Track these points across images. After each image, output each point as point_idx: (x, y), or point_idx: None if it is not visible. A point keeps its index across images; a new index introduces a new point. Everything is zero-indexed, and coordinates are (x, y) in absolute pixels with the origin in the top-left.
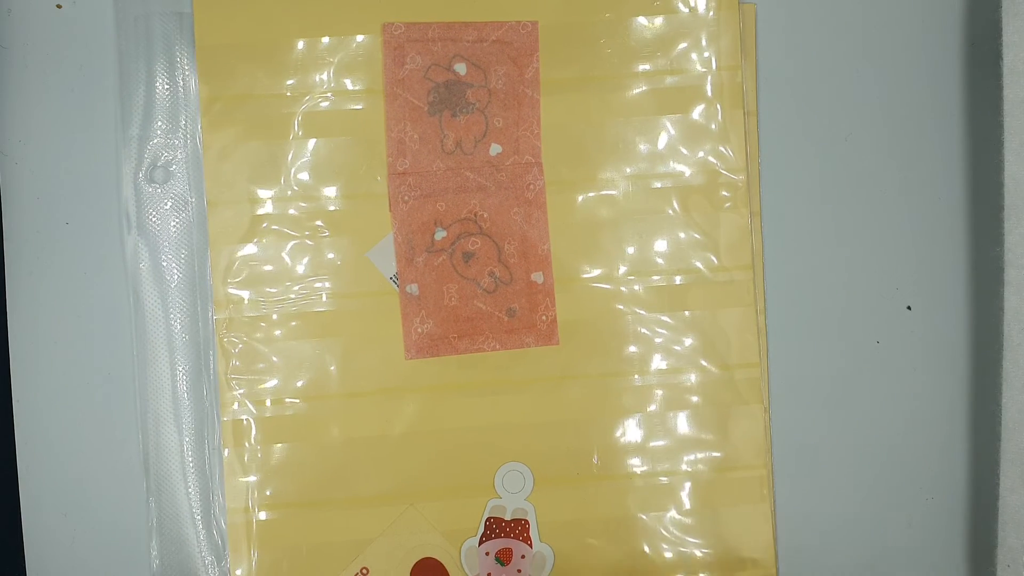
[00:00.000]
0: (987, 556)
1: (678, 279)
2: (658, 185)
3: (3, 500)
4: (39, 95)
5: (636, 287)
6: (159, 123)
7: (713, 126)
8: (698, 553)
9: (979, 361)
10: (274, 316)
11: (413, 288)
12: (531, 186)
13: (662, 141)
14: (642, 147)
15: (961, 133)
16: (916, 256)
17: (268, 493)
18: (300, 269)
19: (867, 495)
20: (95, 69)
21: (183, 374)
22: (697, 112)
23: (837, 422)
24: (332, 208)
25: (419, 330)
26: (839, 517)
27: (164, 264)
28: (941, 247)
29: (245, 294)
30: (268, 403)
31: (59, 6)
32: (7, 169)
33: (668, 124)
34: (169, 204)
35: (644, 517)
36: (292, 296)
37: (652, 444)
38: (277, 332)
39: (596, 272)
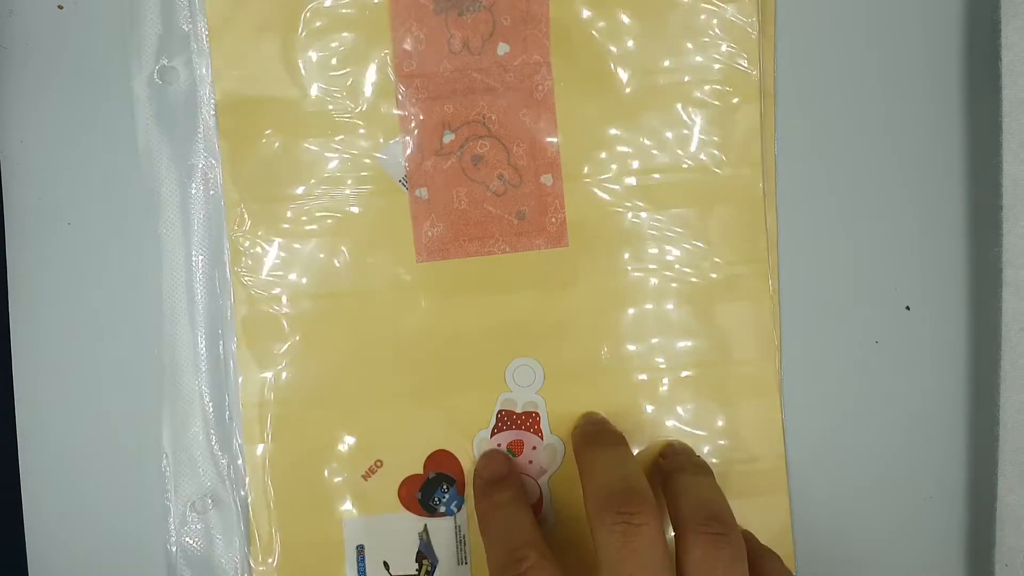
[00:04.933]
0: (986, 555)
1: (686, 177)
2: (666, 82)
3: (4, 499)
4: (40, 95)
5: (645, 185)
6: None
7: (725, 23)
8: (706, 443)
9: (978, 361)
10: (287, 214)
11: (422, 192)
12: (540, 87)
13: (674, 38)
14: (653, 44)
15: (960, 133)
16: (915, 256)
17: (282, 390)
18: (312, 170)
19: (866, 495)
20: (96, 69)
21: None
22: (706, 11)
23: (836, 422)
24: (342, 106)
25: (429, 234)
26: (838, 516)
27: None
28: (940, 247)
29: (258, 193)
30: (284, 301)
31: (60, 7)
32: (7, 169)
33: (680, 20)
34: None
35: (652, 409)
36: (304, 195)
37: (662, 338)
38: (288, 229)
39: (605, 172)
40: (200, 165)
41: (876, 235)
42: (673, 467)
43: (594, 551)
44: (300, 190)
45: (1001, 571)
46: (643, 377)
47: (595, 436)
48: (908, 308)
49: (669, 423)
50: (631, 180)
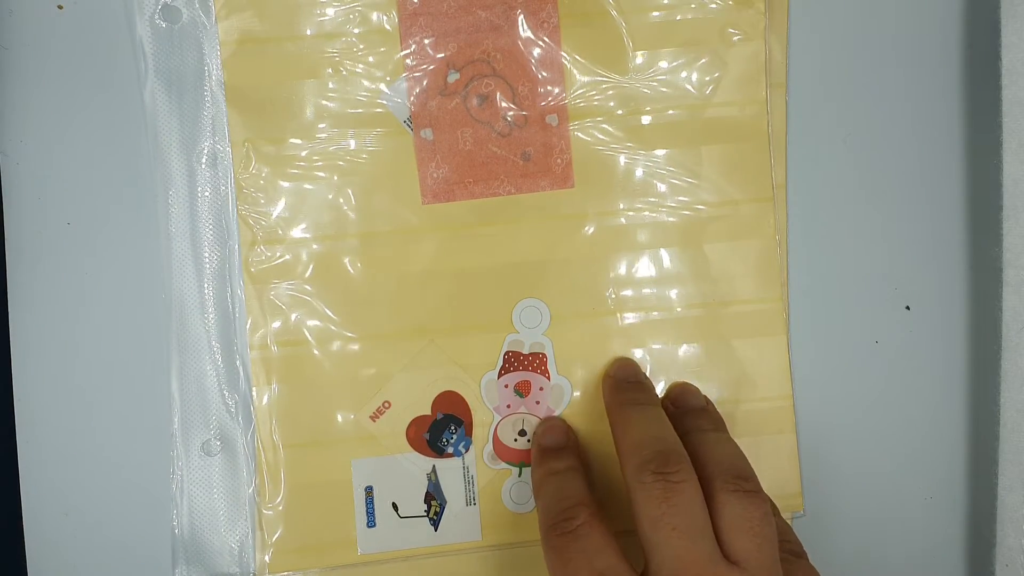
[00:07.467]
0: (986, 555)
1: (693, 116)
2: (671, 19)
3: (3, 500)
4: (39, 95)
5: (651, 125)
6: None
7: None
8: (711, 382)
9: (978, 361)
10: (293, 154)
11: (427, 133)
12: (545, 24)
13: None
14: None
15: (960, 133)
16: (915, 256)
17: (288, 332)
18: (317, 110)
19: (866, 495)
20: (96, 69)
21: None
22: None
23: (835, 422)
24: (347, 45)
25: (435, 175)
26: (837, 516)
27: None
28: (940, 247)
29: (263, 134)
30: (290, 243)
31: (60, 7)
32: (7, 169)
33: None
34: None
35: (659, 349)
36: (310, 135)
37: (667, 279)
38: (294, 170)
39: (611, 113)
40: (206, 111)
41: (876, 235)
42: (690, 426)
43: (631, 507)
44: (305, 130)
45: (1001, 571)
46: (649, 318)
47: (628, 392)
48: (908, 308)
49: (675, 365)
50: (637, 120)
